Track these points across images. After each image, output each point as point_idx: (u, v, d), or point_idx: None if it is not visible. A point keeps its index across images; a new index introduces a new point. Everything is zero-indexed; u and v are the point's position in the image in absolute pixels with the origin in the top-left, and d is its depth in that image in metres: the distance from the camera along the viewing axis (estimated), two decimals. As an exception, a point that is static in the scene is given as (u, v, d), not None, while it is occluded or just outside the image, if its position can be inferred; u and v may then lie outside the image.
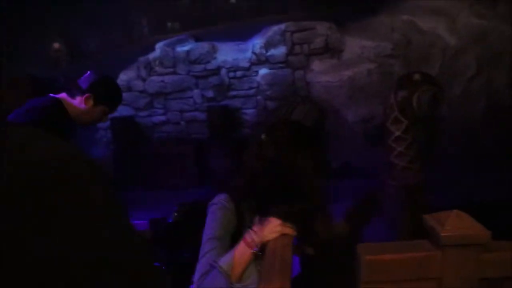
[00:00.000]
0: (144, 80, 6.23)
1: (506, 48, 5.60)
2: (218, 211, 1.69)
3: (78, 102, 2.17)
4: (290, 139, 1.64)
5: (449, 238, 1.04)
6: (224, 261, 1.38)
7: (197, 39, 6.25)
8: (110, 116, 6.29)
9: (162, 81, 6.18)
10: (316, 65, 5.93)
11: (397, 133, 2.65)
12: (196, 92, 6.21)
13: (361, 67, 5.70)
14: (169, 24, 6.43)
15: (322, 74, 5.86)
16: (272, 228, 1.41)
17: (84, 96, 2.17)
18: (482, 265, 1.07)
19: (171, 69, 6.16)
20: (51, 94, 2.19)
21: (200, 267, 1.46)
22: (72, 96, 2.18)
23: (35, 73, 6.26)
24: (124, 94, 6.32)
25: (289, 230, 1.40)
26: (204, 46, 6.06)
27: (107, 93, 2.32)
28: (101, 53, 6.21)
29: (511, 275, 1.07)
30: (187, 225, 2.65)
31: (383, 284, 1.12)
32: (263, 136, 1.65)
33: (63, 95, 2.20)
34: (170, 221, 2.69)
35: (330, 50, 5.90)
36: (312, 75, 5.92)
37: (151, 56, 6.16)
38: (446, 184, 3.76)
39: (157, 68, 6.16)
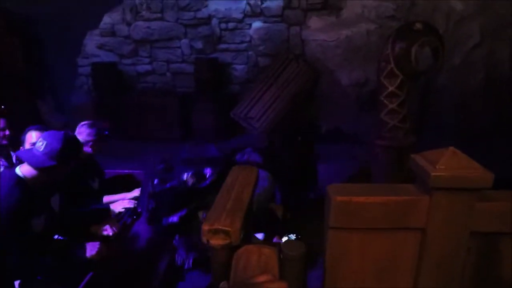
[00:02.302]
0: (129, 24, 5.83)
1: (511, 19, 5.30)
2: None
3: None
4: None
5: (440, 179, 0.84)
6: None
7: (188, -17, 5.80)
8: (91, 61, 5.91)
9: (149, 27, 5.79)
10: (313, 21, 5.57)
11: (391, 88, 2.42)
12: (184, 41, 5.84)
13: (361, 27, 5.36)
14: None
15: (319, 32, 5.52)
16: None
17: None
18: (476, 216, 0.88)
19: (159, 15, 5.75)
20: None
21: None
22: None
23: (10, 8, 5.81)
24: (107, 39, 5.99)
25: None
26: (195, -8, 5.63)
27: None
28: (83, -9, 5.74)
29: (510, 231, 0.89)
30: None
31: (355, 233, 0.93)
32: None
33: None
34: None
35: (330, 7, 5.52)
36: (308, 32, 5.57)
37: (138, -2, 5.73)
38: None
39: (143, 13, 5.74)
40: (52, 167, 1.72)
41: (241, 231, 0.86)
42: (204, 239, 0.87)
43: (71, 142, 1.81)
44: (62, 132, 1.83)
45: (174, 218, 2.35)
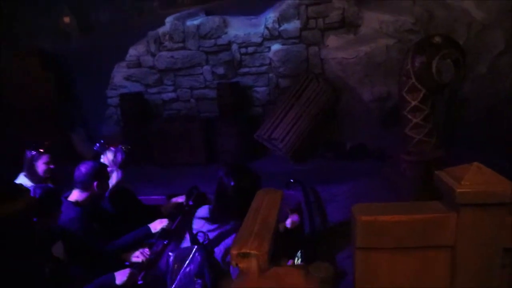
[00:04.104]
0: (153, 55, 6.08)
1: (538, 24, 5.16)
2: None
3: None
4: None
5: (466, 195, 0.84)
6: None
7: (208, 13, 6.02)
8: (119, 93, 6.20)
9: (172, 56, 6.01)
10: (332, 40, 5.63)
11: (414, 103, 2.40)
12: (206, 68, 6.01)
13: (379, 43, 5.37)
14: (179, -3, 6.22)
15: (337, 50, 5.56)
16: None
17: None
18: (506, 231, 0.87)
19: (181, 44, 5.97)
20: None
21: None
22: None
23: (44, 47, 6.19)
24: (134, 70, 6.27)
25: None
26: (215, 20, 5.83)
27: None
28: (110, 27, 6.07)
29: (544, 245, 0.86)
30: None
31: (382, 252, 0.93)
32: None
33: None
34: None
35: (347, 25, 5.57)
36: (327, 51, 5.62)
37: (161, 30, 5.98)
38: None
39: (166, 43, 5.98)
40: None
41: (269, 254, 0.88)
42: (233, 263, 0.90)
43: (49, 194, 1.91)
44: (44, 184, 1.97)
45: None
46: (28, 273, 1.20)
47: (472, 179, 0.85)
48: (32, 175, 2.65)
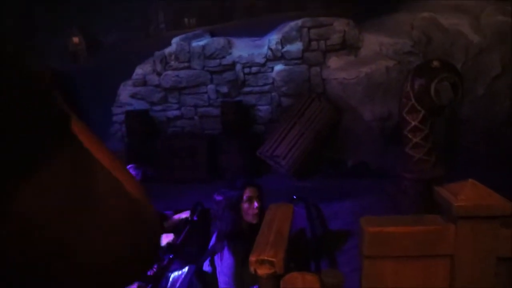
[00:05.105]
0: (159, 74, 6.25)
1: (533, 47, 5.34)
2: None
3: None
4: None
5: (463, 209, 0.93)
6: None
7: (213, 34, 6.23)
8: (125, 109, 6.31)
9: (177, 75, 6.18)
10: (333, 61, 5.81)
11: (414, 123, 2.52)
12: (210, 87, 6.18)
13: (379, 64, 5.54)
14: (185, 19, 6.44)
15: (338, 71, 5.73)
16: None
17: None
18: (500, 242, 0.96)
19: (187, 64, 6.15)
20: None
21: None
22: None
23: (52, 66, 6.38)
24: (139, 89, 6.41)
25: None
26: (220, 41, 6.03)
27: None
28: (118, 47, 6.27)
29: (534, 254, 0.95)
30: None
31: (388, 260, 1.02)
32: None
33: None
34: None
35: (348, 47, 5.77)
36: (328, 71, 5.80)
37: (167, 50, 6.17)
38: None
39: (172, 63, 6.16)
40: None
41: (284, 261, 0.97)
42: (251, 269, 0.99)
43: None
44: None
45: None
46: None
47: (467, 194, 0.95)
48: None
